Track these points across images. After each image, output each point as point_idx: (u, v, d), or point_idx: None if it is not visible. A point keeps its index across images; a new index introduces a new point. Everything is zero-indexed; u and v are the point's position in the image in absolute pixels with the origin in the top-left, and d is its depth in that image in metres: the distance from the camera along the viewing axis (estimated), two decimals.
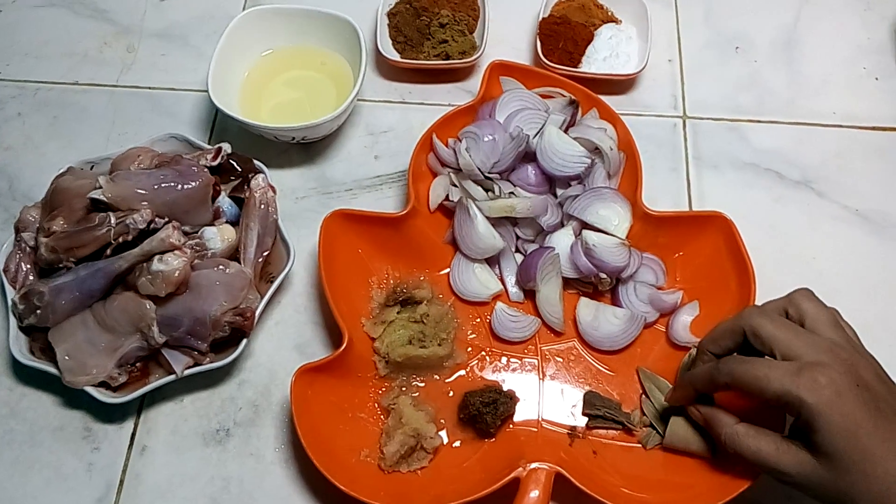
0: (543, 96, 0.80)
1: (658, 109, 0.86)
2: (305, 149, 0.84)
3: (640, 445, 0.67)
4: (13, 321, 0.68)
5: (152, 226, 0.67)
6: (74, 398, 0.70)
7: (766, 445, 0.55)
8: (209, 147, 0.75)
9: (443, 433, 0.68)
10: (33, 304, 0.66)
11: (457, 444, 0.68)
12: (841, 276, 0.77)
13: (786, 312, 0.59)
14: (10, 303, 0.69)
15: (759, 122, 0.86)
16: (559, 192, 0.76)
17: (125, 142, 0.80)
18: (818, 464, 0.52)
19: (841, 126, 0.85)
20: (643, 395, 0.69)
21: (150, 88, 0.88)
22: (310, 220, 0.78)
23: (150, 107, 0.87)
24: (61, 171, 0.73)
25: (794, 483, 0.54)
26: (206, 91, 0.78)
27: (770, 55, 0.90)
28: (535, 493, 0.62)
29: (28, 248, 0.71)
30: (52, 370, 0.66)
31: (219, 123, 0.86)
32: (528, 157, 0.76)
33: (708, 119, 0.86)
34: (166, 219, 0.68)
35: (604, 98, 0.80)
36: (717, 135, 0.85)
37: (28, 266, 0.71)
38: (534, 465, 0.63)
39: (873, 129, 0.85)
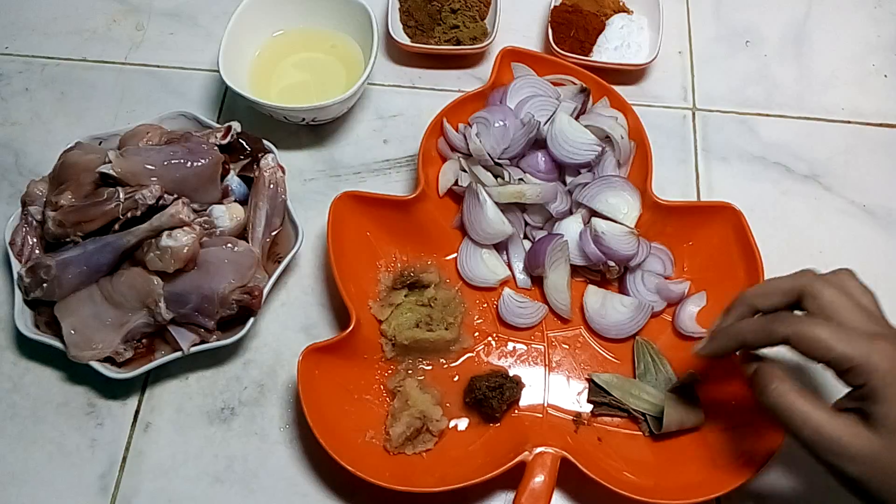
0: (554, 84, 0.80)
1: (668, 100, 0.86)
2: (314, 131, 0.83)
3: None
4: (19, 295, 0.68)
5: (161, 202, 0.67)
6: (78, 373, 0.70)
7: (817, 410, 0.50)
8: (218, 126, 0.75)
9: (448, 417, 0.68)
10: (40, 277, 0.66)
11: (462, 427, 0.68)
12: None
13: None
14: (16, 276, 0.68)
15: (767, 115, 0.86)
16: (569, 179, 0.76)
17: (133, 119, 0.80)
18: (875, 437, 0.48)
19: (849, 121, 0.86)
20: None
21: (158, 67, 0.88)
22: (317, 202, 0.78)
23: (159, 85, 0.87)
24: (69, 145, 0.73)
25: (837, 460, 0.49)
26: (215, 71, 0.78)
27: (779, 49, 0.91)
28: (540, 478, 0.62)
29: (35, 222, 0.71)
30: (57, 344, 0.66)
31: (227, 104, 0.85)
32: (539, 144, 0.76)
33: (717, 111, 0.86)
34: (175, 195, 0.68)
35: (614, 88, 0.80)
36: (726, 127, 0.85)
37: (34, 240, 0.70)
38: (540, 450, 0.63)
39: (881, 125, 0.85)
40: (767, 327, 0.54)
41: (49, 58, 0.88)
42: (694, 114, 0.86)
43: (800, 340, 0.51)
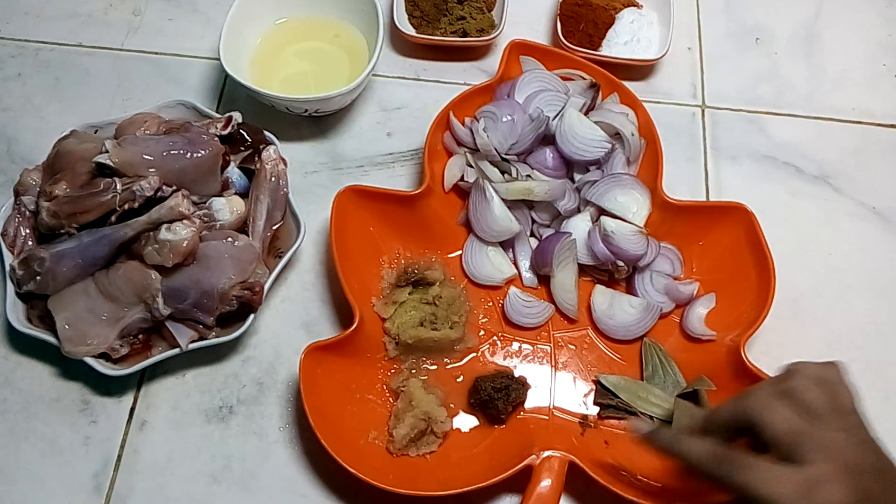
0: (563, 78, 0.78)
1: (677, 98, 0.85)
2: (316, 122, 0.81)
3: None
4: (11, 287, 0.66)
5: (159, 194, 0.65)
6: (72, 369, 0.68)
7: None
8: (219, 116, 0.73)
9: (453, 418, 0.66)
10: (33, 270, 0.64)
11: (466, 429, 0.66)
12: (856, 273, 0.76)
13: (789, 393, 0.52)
14: (8, 268, 0.66)
15: (777, 114, 0.84)
16: (577, 176, 0.75)
17: (130, 107, 0.78)
18: None
19: (859, 122, 0.84)
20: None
21: (156, 54, 0.86)
22: (319, 195, 0.76)
23: (156, 72, 0.84)
24: (64, 133, 0.71)
25: None
26: (215, 59, 0.76)
27: (790, 48, 0.89)
28: (547, 482, 0.60)
29: (28, 213, 0.69)
30: (51, 339, 0.64)
31: (227, 93, 0.83)
32: (547, 140, 0.75)
33: (727, 109, 0.84)
34: (174, 187, 0.66)
35: (624, 84, 0.78)
36: (736, 126, 0.83)
37: (27, 231, 0.68)
38: (547, 454, 0.61)
39: (891, 126, 0.84)
40: (710, 468, 0.51)
41: (43, 42, 0.86)
42: (703, 112, 0.84)
43: (739, 491, 0.49)
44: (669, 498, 0.61)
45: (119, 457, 0.65)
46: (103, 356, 0.64)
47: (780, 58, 0.88)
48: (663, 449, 0.55)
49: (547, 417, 0.67)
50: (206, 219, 0.67)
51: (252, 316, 0.66)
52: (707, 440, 0.53)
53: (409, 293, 0.70)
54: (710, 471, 0.51)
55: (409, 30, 0.84)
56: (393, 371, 0.68)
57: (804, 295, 0.74)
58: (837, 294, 0.75)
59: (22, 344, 0.69)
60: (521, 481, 0.61)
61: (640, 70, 0.85)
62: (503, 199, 0.71)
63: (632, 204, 0.72)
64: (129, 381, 0.68)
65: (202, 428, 0.66)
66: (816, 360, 0.70)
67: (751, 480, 0.49)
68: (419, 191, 0.71)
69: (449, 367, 0.69)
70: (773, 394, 0.52)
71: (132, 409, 0.67)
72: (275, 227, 0.70)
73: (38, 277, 0.64)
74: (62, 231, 0.65)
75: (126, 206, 0.64)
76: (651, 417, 0.66)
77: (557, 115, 0.74)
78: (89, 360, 0.63)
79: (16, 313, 0.65)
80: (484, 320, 0.71)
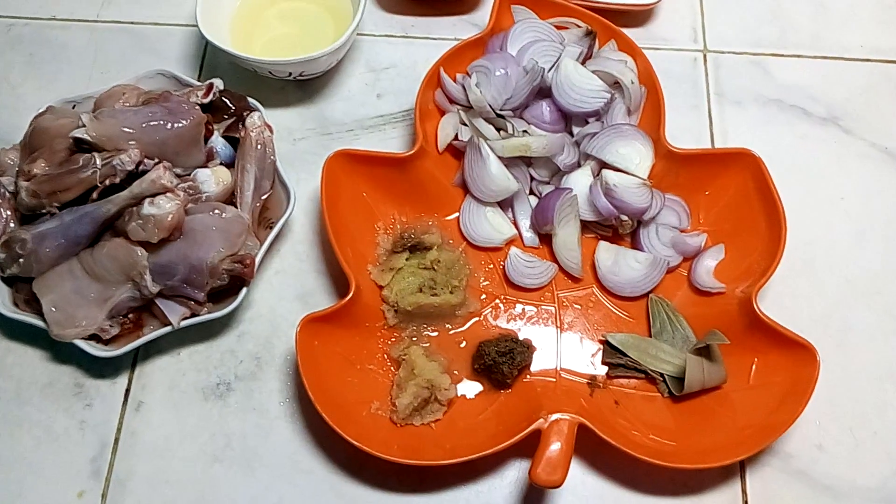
0: (558, 27, 0.75)
1: (677, 43, 0.81)
2: (302, 87, 0.78)
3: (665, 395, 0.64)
4: None
5: (141, 167, 0.63)
6: (63, 352, 0.66)
7: None
8: (199, 83, 0.70)
9: (457, 385, 0.64)
10: (15, 252, 0.62)
11: (471, 395, 0.64)
12: (869, 216, 0.73)
13: None
14: None
15: (782, 55, 0.81)
16: (576, 129, 0.72)
17: (108, 81, 0.74)
18: None
19: (868, 60, 0.81)
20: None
21: (132, 23, 0.82)
22: (308, 162, 0.74)
23: (134, 43, 0.81)
24: (41, 110, 0.68)
25: None
26: (194, 25, 0.72)
27: None
28: (557, 445, 0.58)
29: (7, 194, 0.66)
30: (39, 323, 0.62)
31: (208, 60, 0.80)
32: (543, 92, 0.72)
33: (729, 53, 0.81)
34: (156, 160, 0.63)
35: (622, 30, 0.74)
36: (740, 69, 0.80)
37: (8, 212, 0.66)
38: (556, 417, 0.59)
39: None
40: None
41: (15, 17, 0.83)
42: (705, 56, 0.81)
43: None
44: (682, 457, 0.59)
45: (116, 440, 0.63)
46: (94, 338, 0.62)
47: None
48: None
49: (554, 380, 0.65)
50: (190, 191, 0.64)
51: (245, 289, 0.63)
52: None
53: (407, 259, 0.68)
54: None
55: None
56: (393, 340, 0.66)
57: (816, 241, 0.72)
58: (851, 239, 0.72)
59: (10, 329, 0.67)
60: (530, 446, 0.59)
61: (637, 16, 0.82)
62: (500, 157, 0.69)
63: (634, 155, 0.69)
64: (122, 362, 0.66)
65: (200, 407, 0.65)
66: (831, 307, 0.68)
67: None
68: (412, 152, 0.68)
69: (451, 332, 0.67)
70: None
71: (127, 391, 0.65)
72: (264, 197, 0.68)
73: (21, 260, 0.62)
74: (43, 211, 0.63)
75: (107, 182, 0.62)
76: (662, 375, 0.64)
77: (553, 66, 0.71)
78: (79, 343, 0.61)
79: (1, 298, 0.63)
80: (485, 283, 0.69)
